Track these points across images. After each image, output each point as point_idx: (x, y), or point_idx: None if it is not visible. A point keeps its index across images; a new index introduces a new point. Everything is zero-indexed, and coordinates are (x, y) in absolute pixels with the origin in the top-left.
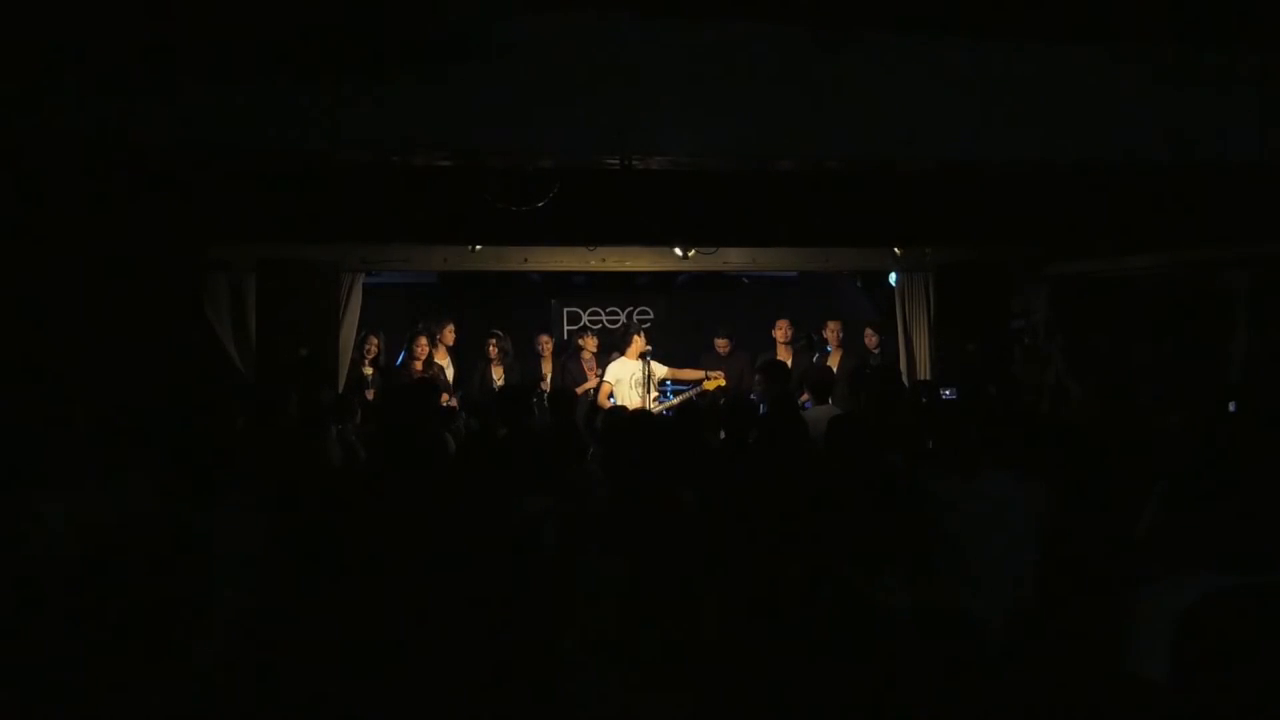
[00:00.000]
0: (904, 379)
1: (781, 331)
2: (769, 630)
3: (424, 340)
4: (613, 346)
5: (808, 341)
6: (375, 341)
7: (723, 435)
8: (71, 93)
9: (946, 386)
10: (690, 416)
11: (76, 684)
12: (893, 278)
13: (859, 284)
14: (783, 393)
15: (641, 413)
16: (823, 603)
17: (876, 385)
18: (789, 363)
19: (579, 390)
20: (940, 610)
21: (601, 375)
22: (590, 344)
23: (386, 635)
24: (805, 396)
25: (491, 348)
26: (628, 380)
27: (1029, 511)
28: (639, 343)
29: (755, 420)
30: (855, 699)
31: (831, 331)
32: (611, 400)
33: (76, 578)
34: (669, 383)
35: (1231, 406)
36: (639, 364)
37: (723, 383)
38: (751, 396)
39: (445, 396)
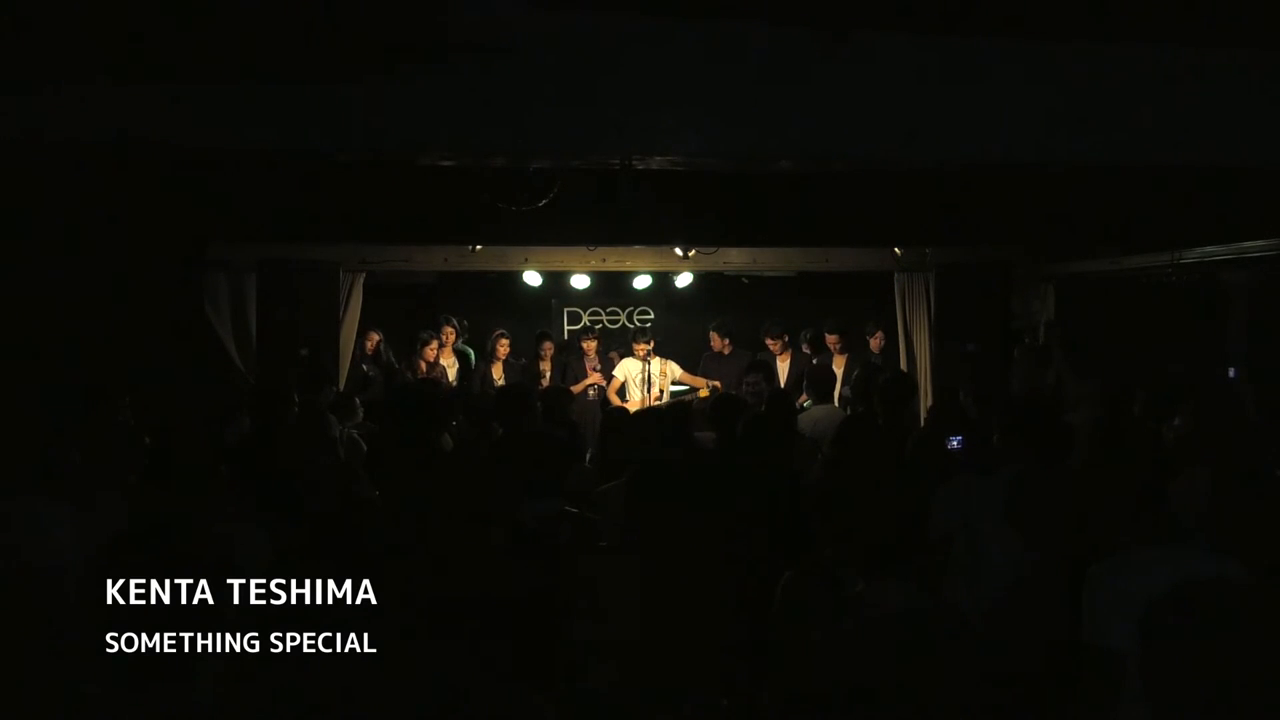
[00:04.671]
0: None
1: (772, 338)
2: (769, 630)
3: (434, 343)
4: (615, 346)
5: (811, 341)
6: (375, 337)
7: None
8: (71, 93)
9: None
10: (680, 413)
11: (85, 695)
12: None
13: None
14: (773, 390)
15: (645, 410)
16: (822, 602)
17: (892, 390)
18: (787, 364)
19: (576, 388)
20: (941, 610)
21: (610, 372)
22: (591, 345)
23: (396, 638)
24: (804, 397)
25: (502, 346)
26: (634, 378)
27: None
28: (644, 348)
29: (742, 416)
30: (857, 698)
31: (832, 332)
32: (624, 399)
33: (81, 583)
34: (680, 385)
35: (1232, 372)
36: (643, 363)
37: (719, 386)
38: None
39: None
